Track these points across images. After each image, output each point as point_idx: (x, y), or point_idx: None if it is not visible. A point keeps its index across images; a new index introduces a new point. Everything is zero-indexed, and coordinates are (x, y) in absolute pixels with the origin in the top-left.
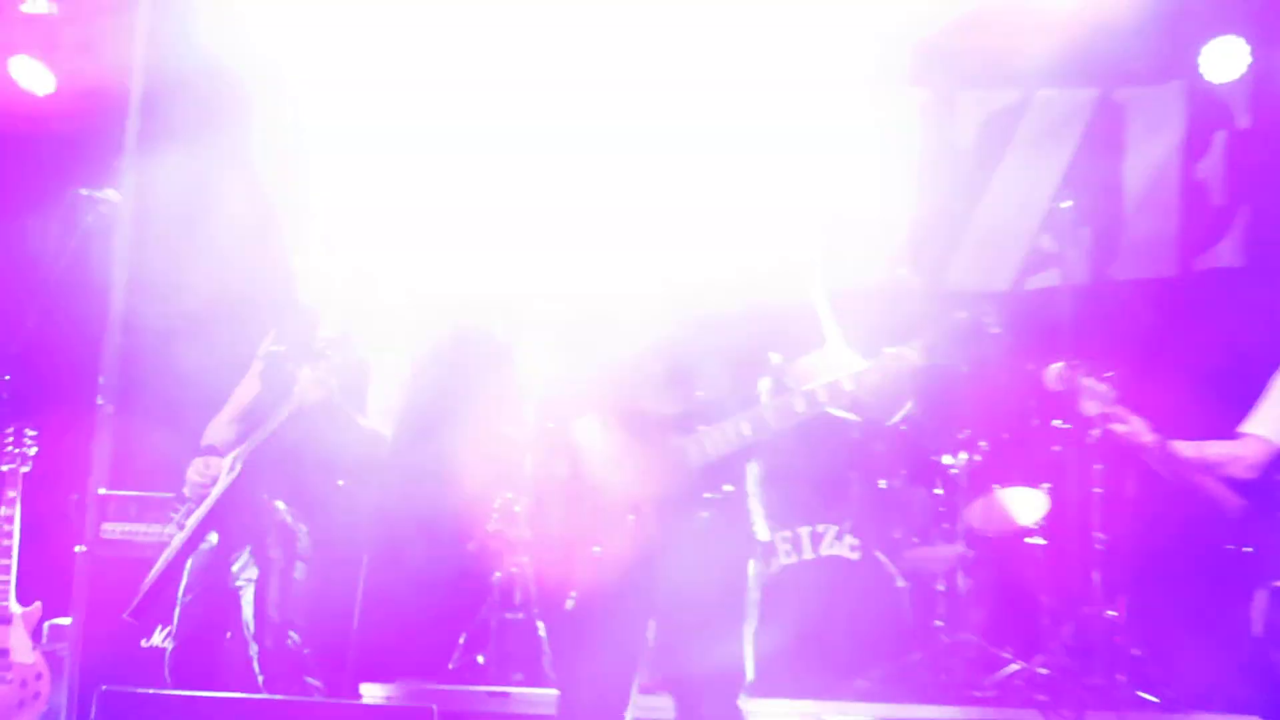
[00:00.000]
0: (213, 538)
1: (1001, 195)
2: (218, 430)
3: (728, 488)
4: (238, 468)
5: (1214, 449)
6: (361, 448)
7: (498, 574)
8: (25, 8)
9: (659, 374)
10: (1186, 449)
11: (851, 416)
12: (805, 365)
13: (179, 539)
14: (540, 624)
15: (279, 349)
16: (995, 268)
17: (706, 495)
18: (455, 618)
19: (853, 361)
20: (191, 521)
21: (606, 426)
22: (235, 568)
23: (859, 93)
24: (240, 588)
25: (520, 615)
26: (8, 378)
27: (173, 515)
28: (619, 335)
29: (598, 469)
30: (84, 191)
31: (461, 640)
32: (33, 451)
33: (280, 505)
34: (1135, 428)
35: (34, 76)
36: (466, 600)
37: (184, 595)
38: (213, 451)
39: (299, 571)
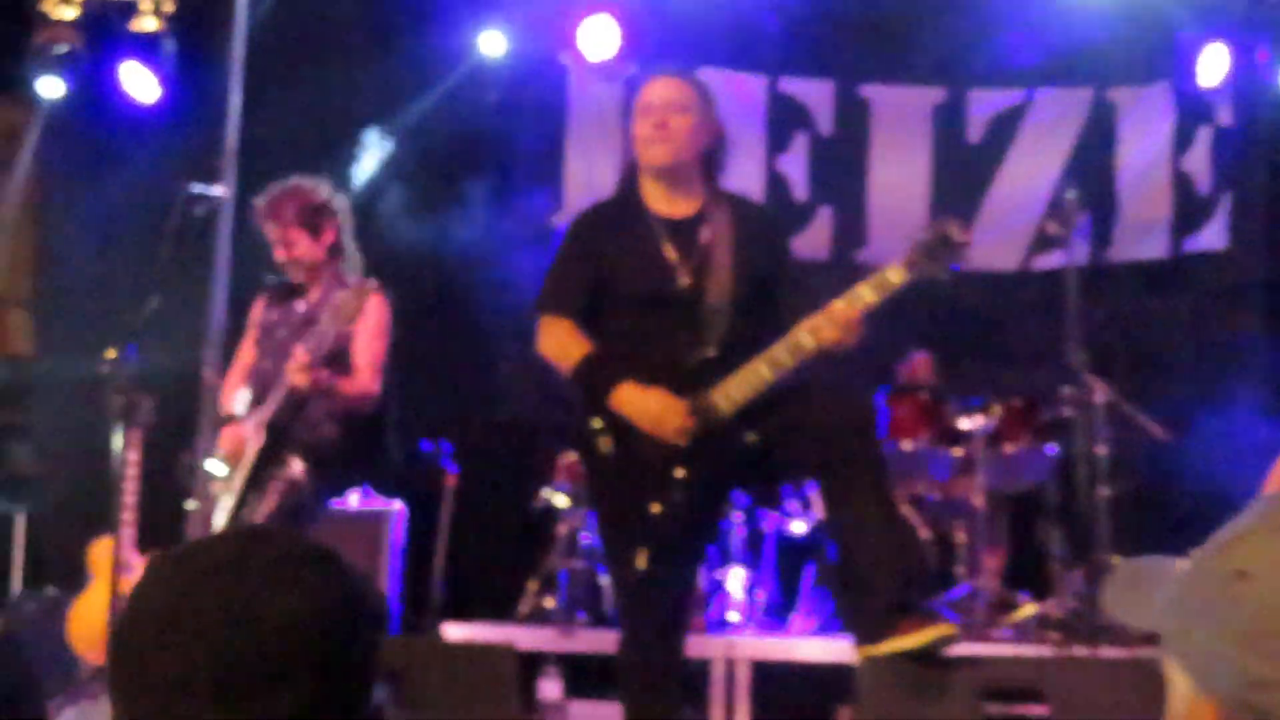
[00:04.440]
0: (252, 499)
1: (1009, 185)
2: (231, 399)
3: (751, 438)
4: (262, 435)
5: None
6: (354, 408)
7: (563, 528)
8: (134, 26)
9: (682, 327)
10: None
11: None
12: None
13: (227, 502)
14: (600, 575)
15: (271, 317)
16: (1005, 250)
17: (739, 445)
18: (525, 566)
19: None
20: (238, 484)
21: (643, 386)
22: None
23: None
24: None
25: (582, 564)
26: (129, 355)
27: (200, 479)
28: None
29: (642, 428)
30: (194, 188)
31: (532, 586)
32: (151, 418)
33: (297, 463)
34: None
35: (142, 83)
36: (535, 550)
37: None
38: (233, 420)
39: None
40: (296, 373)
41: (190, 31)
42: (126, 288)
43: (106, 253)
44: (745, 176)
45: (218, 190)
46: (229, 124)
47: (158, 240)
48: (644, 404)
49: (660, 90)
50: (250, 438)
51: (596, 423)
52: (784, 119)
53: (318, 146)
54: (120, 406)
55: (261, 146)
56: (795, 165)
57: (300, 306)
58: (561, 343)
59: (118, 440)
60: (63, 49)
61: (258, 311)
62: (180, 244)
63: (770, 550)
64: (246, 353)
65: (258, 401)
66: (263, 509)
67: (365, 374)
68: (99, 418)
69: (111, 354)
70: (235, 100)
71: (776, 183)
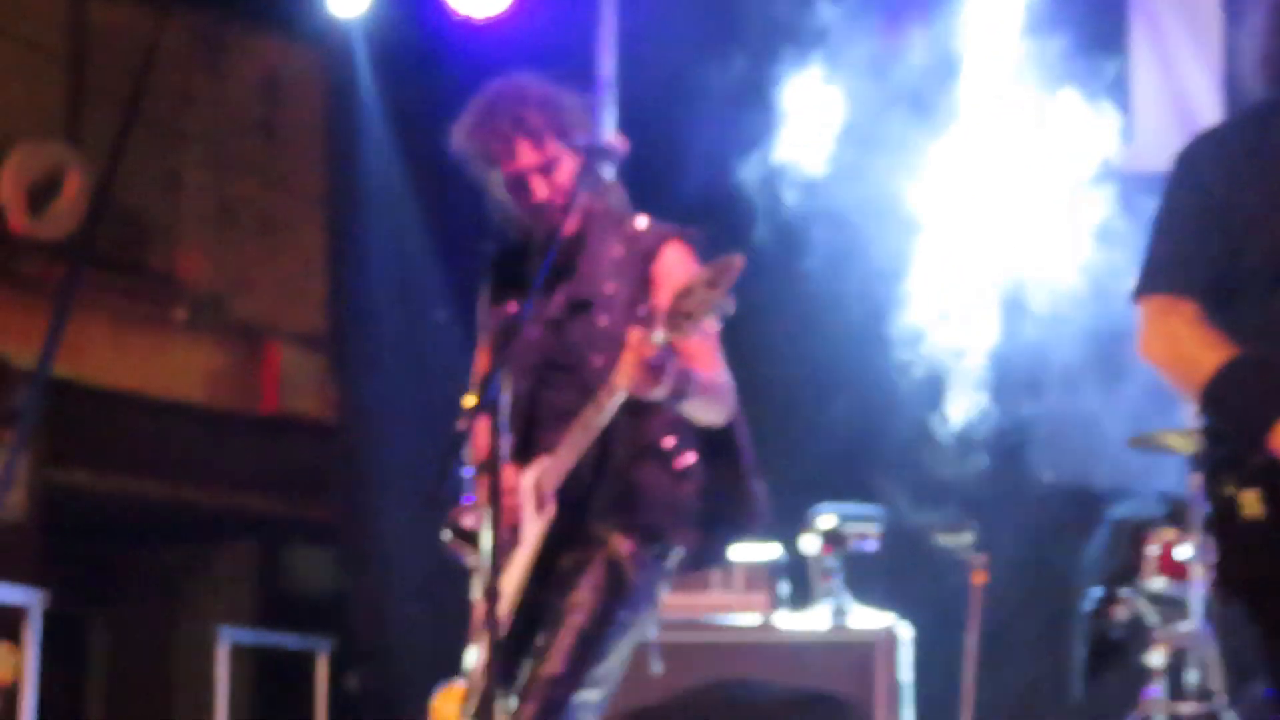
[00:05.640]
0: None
1: None
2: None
3: None
4: (549, 504)
5: None
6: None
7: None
8: None
9: None
10: None
11: None
12: None
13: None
14: None
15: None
16: None
17: None
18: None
19: None
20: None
21: None
22: None
23: None
24: None
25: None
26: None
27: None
28: None
29: None
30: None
31: None
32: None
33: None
34: None
35: None
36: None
37: None
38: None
39: None
40: (635, 362)
41: None
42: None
43: (429, 257)
44: None
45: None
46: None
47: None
48: None
49: None
50: (525, 494)
51: (1251, 462)
52: None
53: None
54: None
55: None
56: None
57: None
58: (1181, 342)
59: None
60: None
61: (486, 313)
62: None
63: None
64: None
65: (525, 444)
66: (552, 647)
67: (706, 358)
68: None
69: (470, 402)
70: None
71: None
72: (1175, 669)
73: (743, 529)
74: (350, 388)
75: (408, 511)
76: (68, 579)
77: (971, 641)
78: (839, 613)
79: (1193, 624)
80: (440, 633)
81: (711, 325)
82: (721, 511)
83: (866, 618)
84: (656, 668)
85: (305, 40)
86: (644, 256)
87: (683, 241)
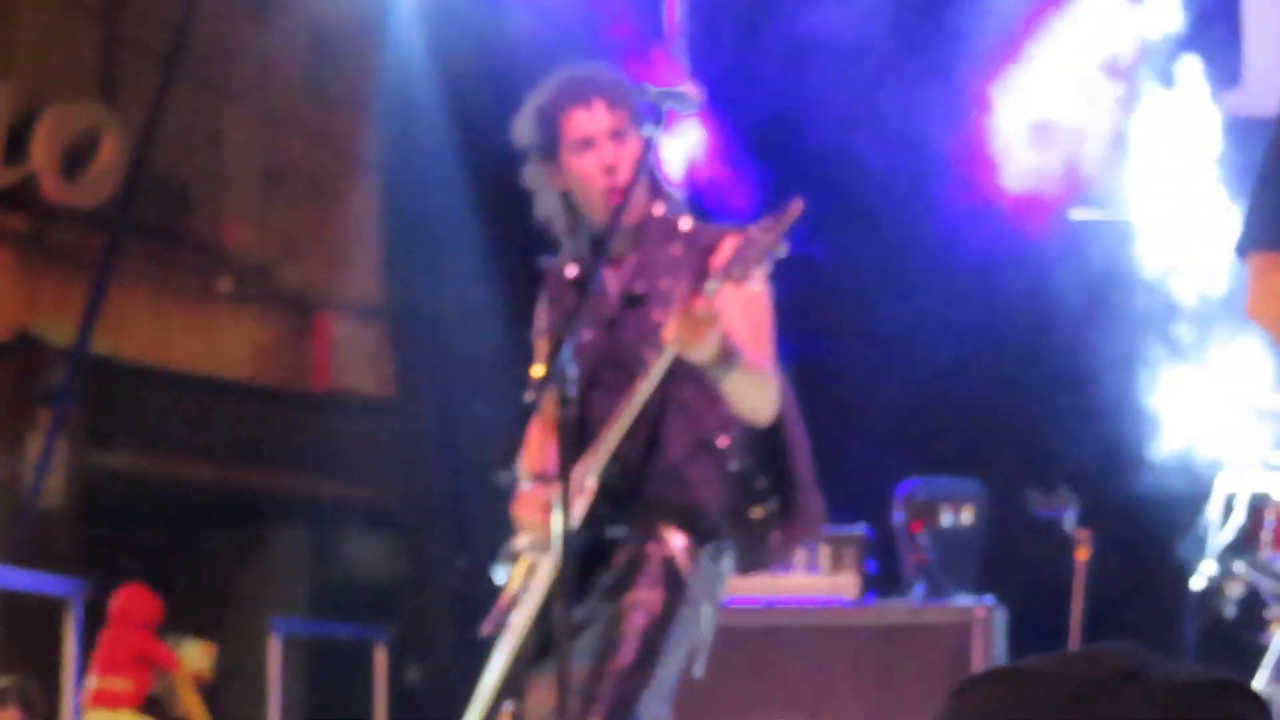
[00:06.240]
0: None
1: None
2: (539, 458)
3: None
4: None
5: None
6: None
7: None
8: None
9: None
10: None
11: None
12: None
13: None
14: None
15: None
16: None
17: None
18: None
19: None
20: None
21: None
22: None
23: None
24: None
25: None
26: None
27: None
28: None
29: None
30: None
31: None
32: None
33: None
34: None
35: None
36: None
37: None
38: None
39: None
40: (682, 315)
41: None
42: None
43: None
44: None
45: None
46: None
47: None
48: None
49: None
50: (574, 498)
51: None
52: None
53: None
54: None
55: None
56: None
57: (612, 281)
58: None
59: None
60: None
61: (544, 313)
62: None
63: None
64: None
65: (577, 447)
66: (616, 646)
67: (757, 346)
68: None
69: (539, 371)
70: None
71: None
72: None
73: (797, 540)
74: (406, 361)
75: (469, 492)
76: (110, 568)
77: (1075, 623)
78: (932, 594)
79: None
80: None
81: (763, 273)
82: (775, 521)
83: (961, 599)
84: (699, 670)
85: None
86: (703, 251)
87: (742, 235)
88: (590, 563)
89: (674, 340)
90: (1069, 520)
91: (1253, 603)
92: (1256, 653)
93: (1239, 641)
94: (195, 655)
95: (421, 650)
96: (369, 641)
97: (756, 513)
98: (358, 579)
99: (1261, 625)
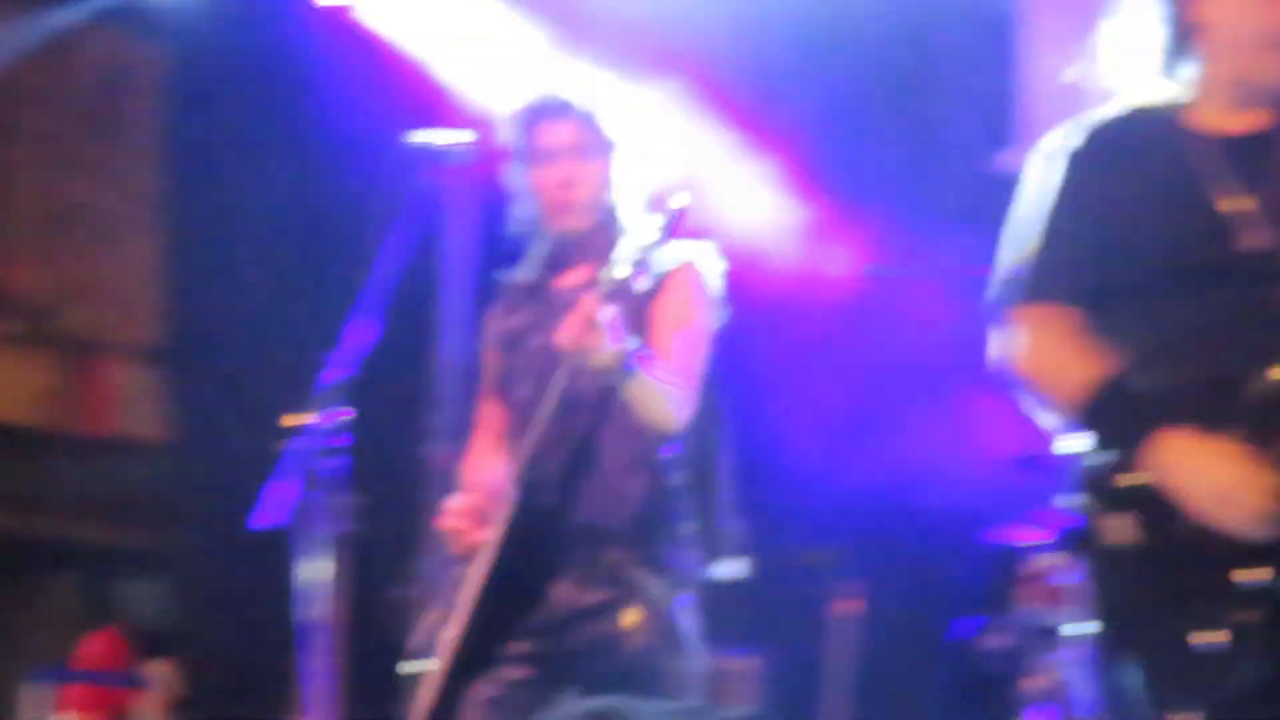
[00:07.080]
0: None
1: None
2: (479, 476)
3: None
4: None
5: None
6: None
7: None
8: None
9: (1248, 320)
10: None
11: None
12: None
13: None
14: None
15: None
16: None
17: None
18: None
19: None
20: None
21: (1203, 434)
22: None
23: None
24: None
25: None
26: (324, 424)
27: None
28: None
29: (1198, 507)
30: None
31: None
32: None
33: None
34: None
35: None
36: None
37: None
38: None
39: None
40: (575, 318)
41: None
42: (302, 313)
43: (270, 259)
44: None
45: (453, 139)
46: None
47: (358, 232)
48: (1209, 469)
49: None
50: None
51: (1120, 485)
52: None
53: None
54: (311, 514)
55: None
56: None
57: (563, 292)
58: (1054, 352)
59: (308, 574)
60: None
61: (495, 324)
62: (404, 234)
63: None
64: (490, 395)
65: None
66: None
67: (682, 357)
68: (273, 536)
69: (292, 420)
70: None
71: None
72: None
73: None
74: (181, 405)
75: (239, 540)
76: None
77: (837, 675)
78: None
79: (1068, 653)
80: (273, 663)
81: (645, 277)
82: (693, 542)
83: (713, 651)
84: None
85: (146, 31)
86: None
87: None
88: (526, 582)
89: (564, 345)
90: (831, 572)
91: (1014, 654)
92: (1015, 704)
93: (998, 693)
94: None
95: (199, 696)
96: (139, 688)
97: (683, 530)
98: (133, 626)
99: (1021, 676)
